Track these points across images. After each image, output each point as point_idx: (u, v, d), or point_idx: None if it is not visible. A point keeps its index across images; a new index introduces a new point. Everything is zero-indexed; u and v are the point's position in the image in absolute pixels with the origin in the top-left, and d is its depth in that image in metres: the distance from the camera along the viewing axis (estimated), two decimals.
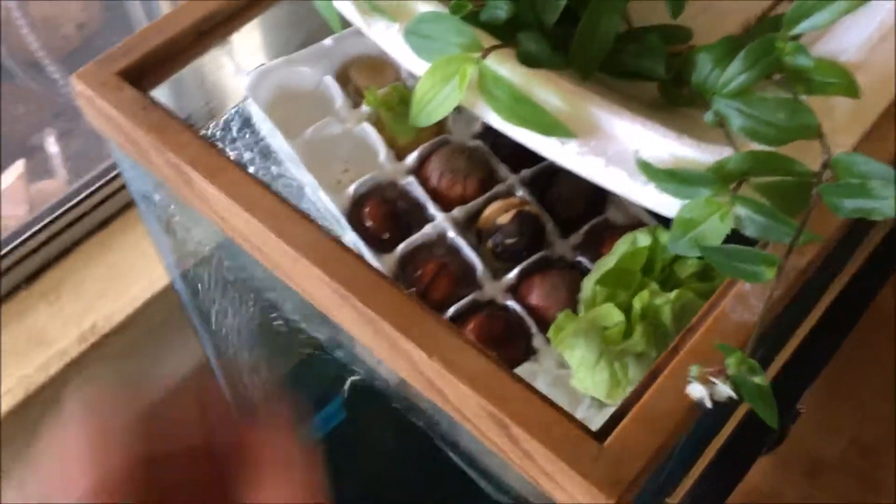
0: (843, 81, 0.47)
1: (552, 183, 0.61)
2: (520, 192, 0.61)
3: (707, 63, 0.50)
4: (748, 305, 0.43)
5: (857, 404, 1.30)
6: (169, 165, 0.51)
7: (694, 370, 0.37)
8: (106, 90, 0.54)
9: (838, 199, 0.41)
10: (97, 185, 1.04)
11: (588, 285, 0.49)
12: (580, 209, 0.60)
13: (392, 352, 0.44)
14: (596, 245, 0.59)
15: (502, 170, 0.62)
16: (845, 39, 0.51)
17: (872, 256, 0.80)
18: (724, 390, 0.36)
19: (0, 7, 1.24)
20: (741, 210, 0.43)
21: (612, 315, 0.46)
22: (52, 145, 1.34)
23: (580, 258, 0.58)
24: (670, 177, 0.45)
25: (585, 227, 0.59)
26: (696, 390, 0.36)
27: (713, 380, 0.36)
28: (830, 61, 0.47)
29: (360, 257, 0.47)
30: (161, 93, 0.57)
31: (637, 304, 0.46)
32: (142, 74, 0.56)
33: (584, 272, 0.58)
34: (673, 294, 0.46)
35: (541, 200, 0.61)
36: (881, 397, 1.28)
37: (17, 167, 1.23)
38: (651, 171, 0.45)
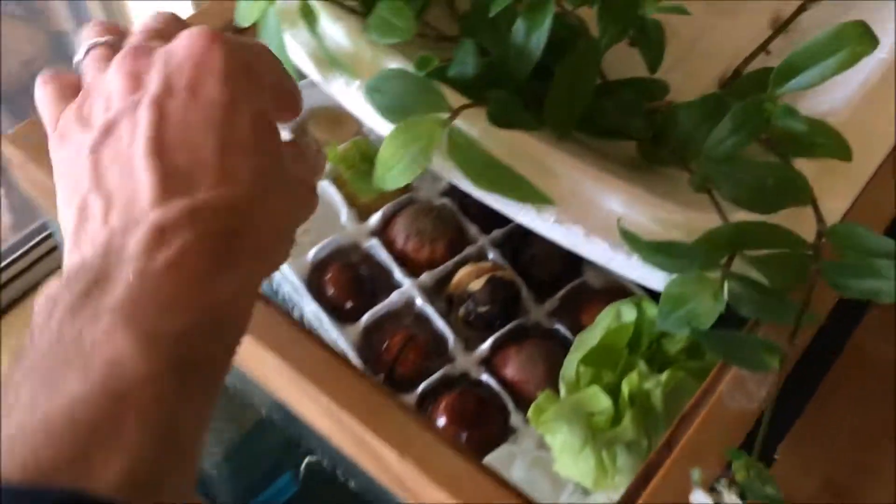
0: (833, 143, 0.45)
1: (525, 243, 0.57)
2: (491, 255, 0.57)
3: (689, 122, 0.47)
4: (746, 391, 0.40)
5: (830, 444, 1.28)
6: None
7: (696, 475, 0.33)
8: (42, 154, 0.50)
9: (842, 279, 0.38)
10: (43, 235, 0.99)
11: (570, 364, 0.46)
12: (556, 271, 0.57)
13: (359, 449, 0.40)
14: (574, 311, 0.56)
15: (472, 230, 0.58)
16: (831, 96, 0.48)
17: (841, 302, 0.78)
18: (732, 500, 0.32)
19: None
20: (735, 287, 0.40)
21: (599, 401, 0.43)
22: None
23: (557, 325, 0.55)
24: (656, 249, 0.42)
25: (562, 292, 0.56)
26: (700, 499, 0.33)
27: (719, 488, 0.32)
28: (820, 121, 0.45)
29: (320, 340, 0.43)
30: None
31: (625, 387, 0.43)
32: None
33: (562, 340, 0.54)
34: (664, 376, 0.43)
35: (513, 262, 0.57)
36: (854, 436, 1.27)
37: None
38: (636, 243, 0.42)
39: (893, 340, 0.70)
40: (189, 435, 0.29)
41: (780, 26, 0.57)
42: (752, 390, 0.40)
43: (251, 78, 0.34)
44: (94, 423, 0.26)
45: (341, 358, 0.42)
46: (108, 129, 0.32)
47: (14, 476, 0.25)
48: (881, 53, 0.49)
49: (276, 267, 0.36)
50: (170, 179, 0.31)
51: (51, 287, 0.30)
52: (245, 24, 0.52)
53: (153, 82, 0.33)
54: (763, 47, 0.57)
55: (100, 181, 0.32)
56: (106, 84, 0.34)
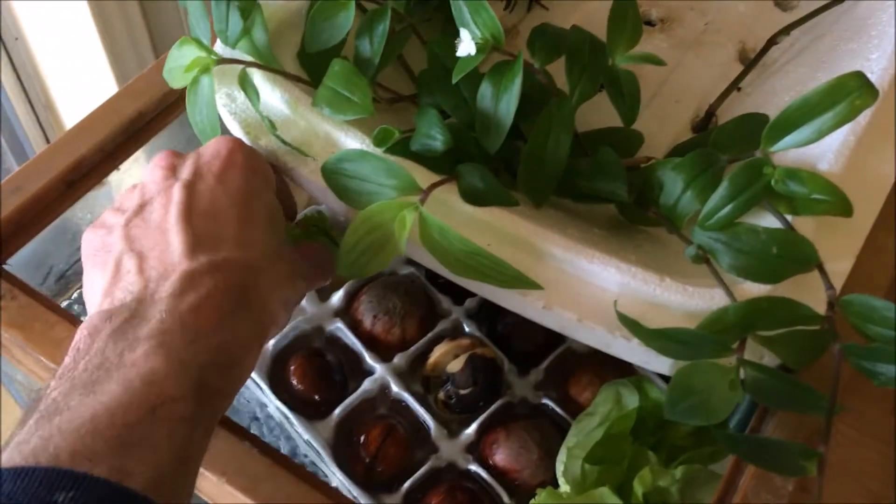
0: (833, 198, 0.41)
1: (502, 312, 0.53)
2: (467, 328, 0.53)
3: (676, 183, 0.44)
4: (772, 488, 0.36)
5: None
6: (44, 369, 0.41)
7: None
8: None
9: (870, 364, 0.35)
10: None
11: (573, 460, 0.42)
12: (537, 339, 0.53)
13: None
14: (561, 382, 0.52)
15: (444, 302, 0.54)
16: (817, 144, 0.45)
17: None
18: None
19: None
20: (753, 375, 0.37)
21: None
22: None
23: (545, 400, 0.51)
24: (662, 336, 0.38)
25: (546, 362, 0.52)
26: None
27: None
28: (819, 177, 0.41)
29: (297, 471, 0.38)
30: (20, 258, 0.46)
31: (638, 488, 0.39)
32: None
33: (552, 416, 0.50)
34: (679, 472, 0.39)
35: (490, 332, 0.53)
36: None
37: None
38: (638, 330, 0.38)
39: None
40: (196, 453, 0.33)
41: (750, 63, 0.54)
42: (778, 485, 0.37)
43: (266, 177, 0.42)
44: (132, 426, 0.30)
45: (321, 485, 0.37)
46: (142, 207, 0.38)
47: (63, 461, 0.28)
48: None
49: (277, 326, 0.41)
50: (198, 240, 0.37)
51: (91, 322, 0.34)
52: (175, 85, 0.46)
53: (186, 171, 0.39)
54: (734, 85, 0.54)
55: (133, 244, 0.37)
56: (142, 182, 0.40)
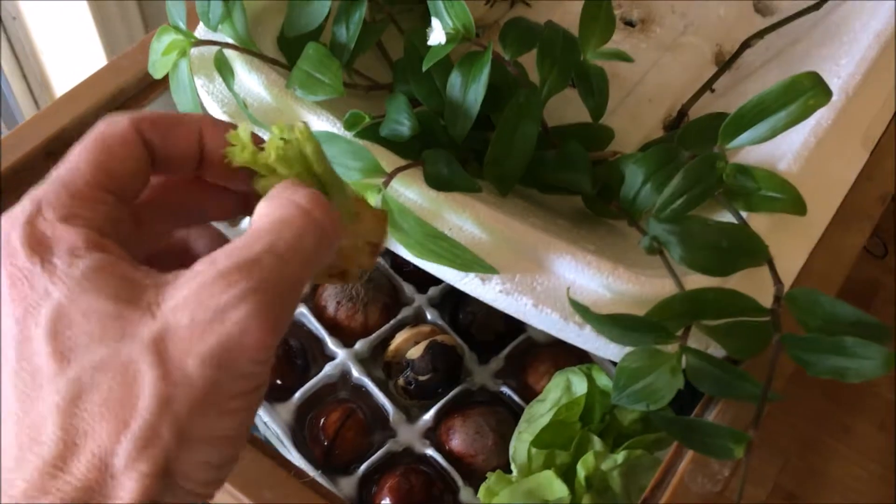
0: (787, 197, 0.42)
1: (465, 301, 0.54)
2: (429, 316, 0.54)
3: (637, 177, 0.44)
4: (709, 472, 0.37)
5: (778, 452, 1.28)
6: None
7: None
8: None
9: (805, 354, 0.35)
10: None
11: (521, 444, 0.43)
12: (498, 328, 0.54)
13: None
14: (519, 370, 0.53)
15: (407, 289, 0.55)
16: (780, 144, 0.46)
17: None
18: None
19: None
20: (694, 362, 0.37)
21: (555, 488, 0.39)
22: None
23: (503, 388, 0.52)
24: (610, 321, 0.39)
25: (506, 351, 0.53)
26: None
27: None
28: (774, 175, 0.42)
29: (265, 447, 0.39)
30: None
31: (581, 470, 0.40)
32: None
33: (510, 403, 0.51)
34: (620, 456, 0.40)
35: (453, 321, 0.54)
36: (800, 444, 1.27)
37: None
38: (588, 316, 0.39)
39: None
40: None
41: (724, 65, 0.55)
42: (715, 470, 0.37)
43: (40, 248, 0.22)
44: None
45: (280, 460, 0.38)
46: None
47: None
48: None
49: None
50: None
51: None
52: (157, 76, 0.48)
53: None
54: (707, 86, 0.55)
55: None
56: None
